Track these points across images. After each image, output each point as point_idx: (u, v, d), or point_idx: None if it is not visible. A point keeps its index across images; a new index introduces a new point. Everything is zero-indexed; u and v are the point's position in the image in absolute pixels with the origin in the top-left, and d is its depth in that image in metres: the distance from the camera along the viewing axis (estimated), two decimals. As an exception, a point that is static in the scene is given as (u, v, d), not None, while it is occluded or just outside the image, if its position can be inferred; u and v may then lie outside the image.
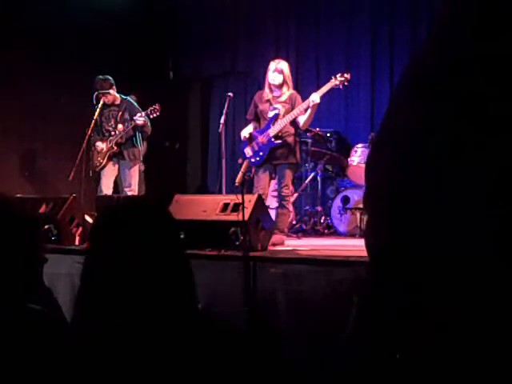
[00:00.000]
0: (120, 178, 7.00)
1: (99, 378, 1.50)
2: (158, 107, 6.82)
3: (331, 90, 5.95)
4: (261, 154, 5.87)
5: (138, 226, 1.56)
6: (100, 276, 1.54)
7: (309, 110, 5.74)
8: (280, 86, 5.88)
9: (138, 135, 6.97)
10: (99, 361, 1.49)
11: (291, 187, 6.25)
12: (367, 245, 0.68)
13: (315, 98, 5.69)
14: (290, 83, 5.95)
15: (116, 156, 6.93)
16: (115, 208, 1.71)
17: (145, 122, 6.80)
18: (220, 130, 6.40)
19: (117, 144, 6.87)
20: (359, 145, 7.35)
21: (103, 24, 8.11)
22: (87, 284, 1.56)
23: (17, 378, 1.61)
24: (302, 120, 5.81)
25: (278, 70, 5.86)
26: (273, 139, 5.83)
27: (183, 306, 1.54)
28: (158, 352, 1.48)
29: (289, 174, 5.86)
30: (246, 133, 6.02)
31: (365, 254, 0.78)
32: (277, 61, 5.97)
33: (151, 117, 6.87)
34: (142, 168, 7.92)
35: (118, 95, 6.93)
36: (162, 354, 1.48)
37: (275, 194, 6.21)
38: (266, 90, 5.95)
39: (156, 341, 1.49)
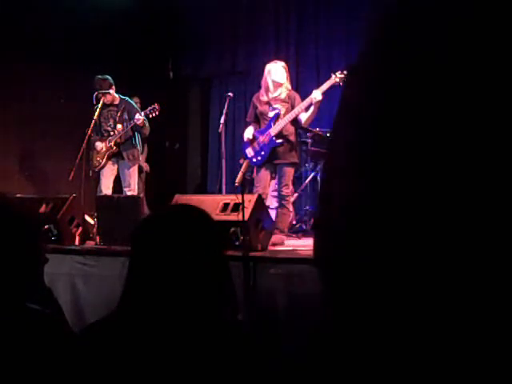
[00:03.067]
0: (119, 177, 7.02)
1: (101, 379, 1.50)
2: (157, 107, 6.83)
3: (331, 88, 5.94)
4: (262, 153, 5.87)
5: (182, 230, 1.57)
6: (144, 279, 1.55)
7: (311, 108, 5.74)
8: (280, 85, 5.90)
9: (137, 135, 6.97)
10: (127, 355, 1.49)
11: (291, 187, 6.25)
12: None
13: (317, 95, 5.68)
14: (288, 83, 5.97)
15: (115, 156, 6.93)
16: (159, 213, 1.72)
17: (143, 122, 6.79)
18: (220, 130, 6.40)
19: (116, 144, 6.87)
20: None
21: (103, 24, 8.11)
22: (131, 287, 1.57)
23: (17, 378, 1.61)
24: (304, 117, 5.81)
25: (286, 69, 5.92)
26: (274, 138, 5.83)
27: (219, 308, 1.55)
28: (196, 355, 1.48)
29: (289, 174, 5.86)
30: (249, 134, 6.02)
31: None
32: (276, 61, 6.02)
33: (150, 116, 6.87)
34: (147, 169, 7.92)
35: (117, 95, 6.93)
36: (200, 357, 1.48)
37: (275, 193, 6.21)
38: (262, 91, 5.98)
39: (195, 344, 1.49)
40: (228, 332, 1.53)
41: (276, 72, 5.89)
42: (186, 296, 1.52)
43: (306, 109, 5.79)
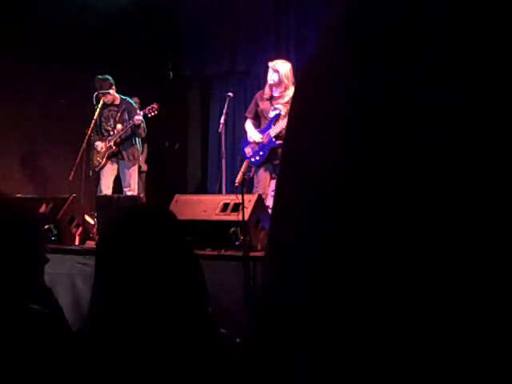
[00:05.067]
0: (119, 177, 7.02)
1: (100, 379, 1.50)
2: (156, 106, 6.83)
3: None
4: (261, 153, 5.88)
5: (143, 228, 1.58)
6: (110, 278, 1.56)
7: None
8: (277, 85, 5.90)
9: (137, 136, 6.98)
10: (106, 362, 1.50)
11: (291, 187, 6.25)
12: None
13: None
14: (290, 84, 5.95)
15: (115, 156, 6.93)
16: (121, 211, 1.74)
17: (139, 121, 6.79)
18: (220, 130, 6.40)
19: (116, 144, 6.88)
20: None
21: (103, 24, 8.10)
22: (99, 285, 1.58)
23: (17, 379, 1.61)
24: None
25: (273, 69, 5.92)
26: (273, 139, 5.83)
27: (193, 306, 1.56)
28: (167, 353, 1.49)
29: (289, 174, 5.87)
30: (256, 137, 5.99)
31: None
32: (275, 61, 6.03)
33: (149, 116, 6.88)
34: (145, 169, 7.93)
35: (117, 95, 6.93)
36: (171, 355, 1.49)
37: (275, 193, 6.21)
38: (266, 89, 6.00)
39: (165, 342, 1.49)
40: (199, 329, 1.54)
41: (269, 72, 5.96)
42: (155, 296, 1.52)
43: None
